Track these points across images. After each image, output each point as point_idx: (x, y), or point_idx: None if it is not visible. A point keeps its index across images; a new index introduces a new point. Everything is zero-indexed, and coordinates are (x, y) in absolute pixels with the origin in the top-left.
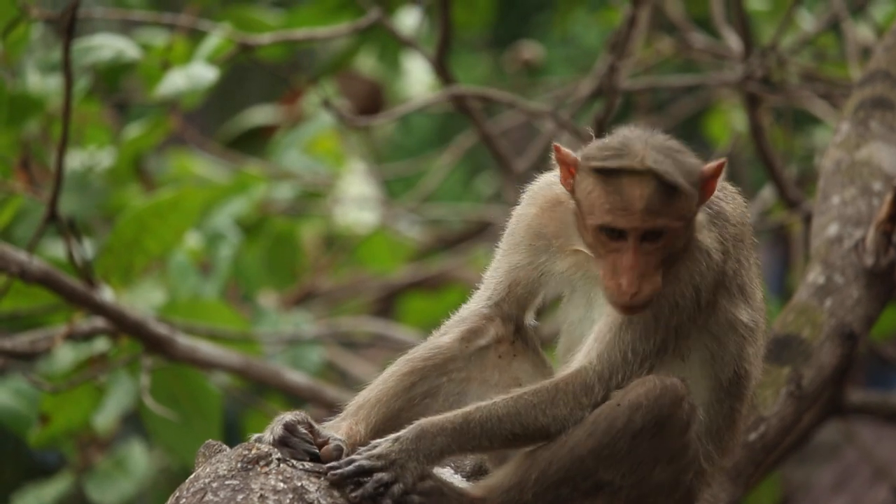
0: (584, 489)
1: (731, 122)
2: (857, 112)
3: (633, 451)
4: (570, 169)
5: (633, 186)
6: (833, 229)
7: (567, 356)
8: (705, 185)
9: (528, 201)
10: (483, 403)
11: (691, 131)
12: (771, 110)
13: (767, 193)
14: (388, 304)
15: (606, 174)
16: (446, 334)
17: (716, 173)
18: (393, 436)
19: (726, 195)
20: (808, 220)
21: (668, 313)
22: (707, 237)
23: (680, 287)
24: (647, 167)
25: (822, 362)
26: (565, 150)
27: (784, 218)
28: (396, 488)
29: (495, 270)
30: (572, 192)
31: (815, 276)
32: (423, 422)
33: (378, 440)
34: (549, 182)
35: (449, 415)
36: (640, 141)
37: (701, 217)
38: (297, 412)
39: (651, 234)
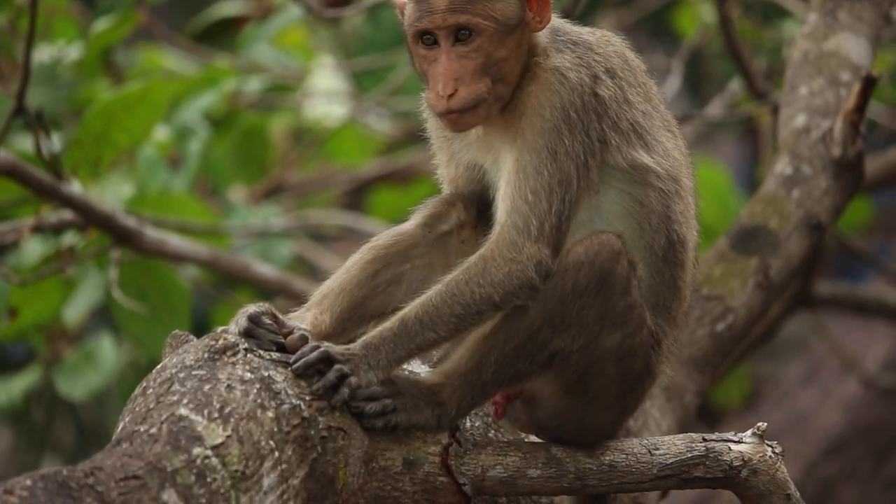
0: (541, 361)
1: (699, 14)
2: (826, 3)
3: (581, 312)
4: (402, 11)
5: None
6: (801, 120)
7: None
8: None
9: (423, 109)
10: (417, 300)
11: (660, 24)
12: (739, 2)
13: (736, 86)
14: (357, 197)
15: None
16: (409, 221)
17: None
18: (342, 347)
19: (594, 31)
20: (776, 111)
21: (547, 140)
22: (557, 58)
23: (540, 109)
24: None
25: (790, 253)
26: None
27: (752, 110)
28: (354, 380)
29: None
30: (403, 29)
31: (782, 166)
32: (365, 336)
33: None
34: None
35: (387, 322)
36: None
37: (544, 40)
38: (261, 304)
39: (461, 36)
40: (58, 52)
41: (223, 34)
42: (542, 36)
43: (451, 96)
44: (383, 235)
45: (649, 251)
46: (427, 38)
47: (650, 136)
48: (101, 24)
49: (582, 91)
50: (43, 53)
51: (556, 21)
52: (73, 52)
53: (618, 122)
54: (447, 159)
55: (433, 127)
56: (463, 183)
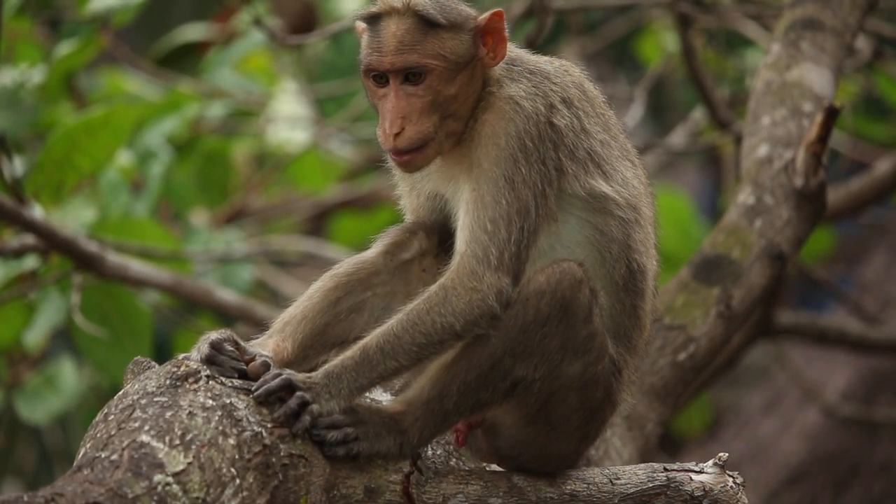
0: (503, 390)
1: (662, 42)
2: (788, 33)
3: (543, 341)
4: (361, 34)
5: (389, 25)
6: (763, 150)
7: None
8: (484, 34)
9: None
10: (378, 328)
11: (623, 52)
12: (703, 31)
13: (699, 115)
14: (319, 223)
15: (371, 20)
16: (371, 249)
17: (491, 22)
18: (304, 375)
19: (553, 61)
20: (738, 141)
21: (503, 169)
22: (512, 87)
23: (495, 138)
24: (404, 2)
25: (752, 283)
26: (360, 24)
27: (715, 139)
28: (315, 408)
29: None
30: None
31: (745, 196)
32: (327, 365)
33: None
34: None
35: (348, 351)
36: None
37: (500, 71)
38: (223, 330)
39: (410, 76)
40: (20, 75)
41: (186, 58)
42: (498, 66)
43: (397, 135)
44: (345, 263)
45: (610, 280)
46: (377, 75)
47: (608, 166)
48: (65, 48)
49: (537, 120)
50: (5, 77)
51: (513, 51)
52: (35, 75)
53: (574, 150)
54: (409, 189)
55: (394, 169)
56: (425, 212)
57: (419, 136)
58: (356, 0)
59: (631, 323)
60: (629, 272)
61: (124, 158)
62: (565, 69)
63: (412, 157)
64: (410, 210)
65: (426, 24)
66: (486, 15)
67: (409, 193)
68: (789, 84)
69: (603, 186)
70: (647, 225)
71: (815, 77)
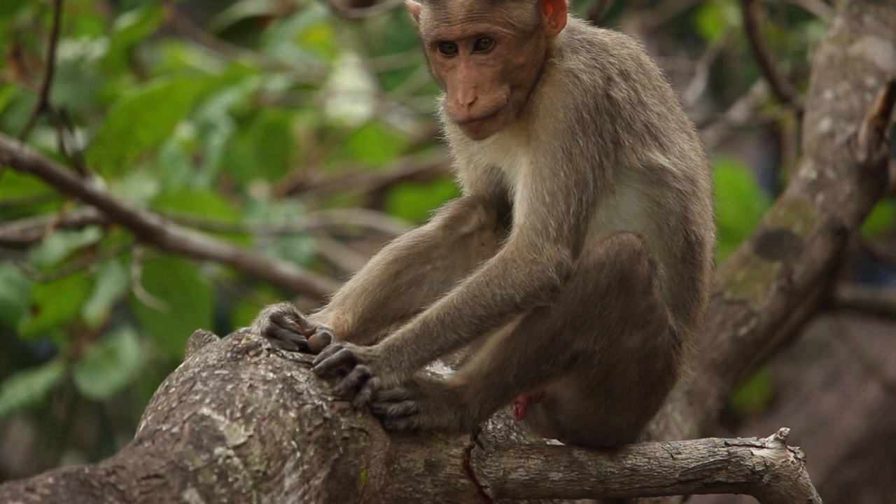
0: (563, 362)
1: (724, 17)
2: (851, 7)
3: (603, 313)
4: (416, 15)
5: None
6: (825, 124)
7: None
8: (546, 2)
9: (441, 114)
10: (438, 301)
11: (684, 27)
12: (764, 5)
13: (760, 89)
14: (379, 196)
15: None
16: (430, 222)
17: None
18: (364, 348)
19: (610, 33)
20: (800, 115)
21: (562, 141)
22: (571, 60)
23: (553, 110)
24: None
25: (813, 257)
26: (411, 2)
27: (776, 113)
28: (376, 381)
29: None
30: (420, 34)
31: (806, 171)
32: (388, 338)
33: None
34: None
35: (409, 324)
36: None
37: (560, 40)
38: (283, 304)
39: (481, 44)
40: (82, 48)
41: (247, 32)
42: (559, 36)
43: (471, 104)
44: (404, 237)
45: (668, 252)
46: (446, 46)
47: (665, 138)
48: (126, 21)
49: (595, 93)
50: (67, 50)
51: (571, 21)
52: (97, 49)
53: (631, 123)
54: (466, 162)
55: (451, 130)
56: (482, 186)
57: (493, 103)
58: None
59: (689, 295)
60: (687, 244)
61: (185, 131)
62: (622, 41)
63: (484, 124)
64: (468, 183)
65: None
66: None
67: (466, 167)
68: (852, 58)
69: (660, 158)
70: (704, 197)
71: (878, 51)
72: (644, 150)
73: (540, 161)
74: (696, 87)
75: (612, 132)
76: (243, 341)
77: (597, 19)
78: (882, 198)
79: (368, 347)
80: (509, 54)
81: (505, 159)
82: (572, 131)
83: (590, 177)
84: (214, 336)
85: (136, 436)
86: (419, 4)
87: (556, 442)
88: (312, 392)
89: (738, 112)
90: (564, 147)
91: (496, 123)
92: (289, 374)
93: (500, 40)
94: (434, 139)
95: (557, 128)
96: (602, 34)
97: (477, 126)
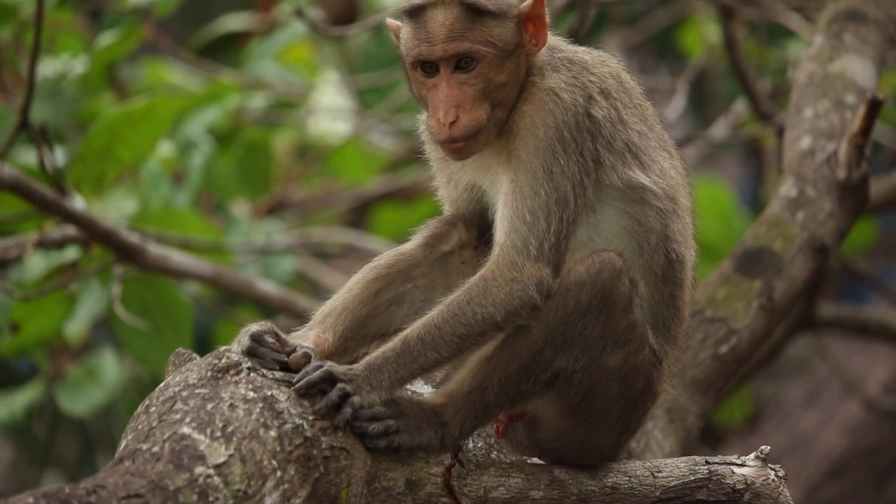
0: (544, 381)
1: (704, 34)
2: (831, 25)
3: (584, 331)
4: (397, 34)
5: (436, 15)
6: (806, 142)
7: None
8: (526, 20)
9: (422, 132)
10: (419, 320)
11: (665, 44)
12: (745, 23)
13: (740, 107)
14: (360, 214)
15: (414, 12)
16: (410, 241)
17: (533, 9)
18: (345, 367)
19: (591, 52)
20: (781, 133)
21: (542, 160)
22: (552, 78)
23: (534, 129)
24: None
25: (794, 275)
26: (391, 21)
27: (757, 131)
28: (356, 399)
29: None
30: (400, 53)
31: (787, 188)
32: (368, 357)
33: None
34: None
35: (389, 343)
36: None
37: (542, 60)
38: (264, 322)
39: (462, 63)
40: (62, 66)
41: (227, 49)
42: (540, 55)
43: (452, 124)
44: (385, 255)
45: (649, 270)
46: (427, 65)
47: (646, 156)
48: (106, 39)
49: (576, 111)
50: (47, 68)
51: (552, 39)
52: (77, 66)
53: (612, 141)
54: (446, 180)
55: (431, 149)
56: (463, 204)
57: (474, 123)
58: None
59: (670, 313)
60: (668, 262)
61: (165, 149)
62: (603, 60)
63: (466, 144)
64: (449, 202)
65: (473, 11)
66: (528, 2)
67: (446, 185)
68: (832, 76)
69: (640, 177)
70: (685, 215)
71: (858, 69)
72: (625, 168)
73: (521, 179)
74: (677, 104)
75: (593, 150)
76: (224, 360)
77: (577, 36)
78: (862, 215)
79: (349, 366)
80: (490, 73)
81: (486, 177)
82: (553, 150)
83: (570, 195)
84: (195, 355)
85: (116, 455)
86: (399, 23)
87: (536, 460)
88: (293, 411)
89: (719, 129)
90: (545, 165)
91: (478, 143)
92: (269, 393)
93: (482, 59)
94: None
95: (538, 146)
96: (583, 52)
97: (459, 146)
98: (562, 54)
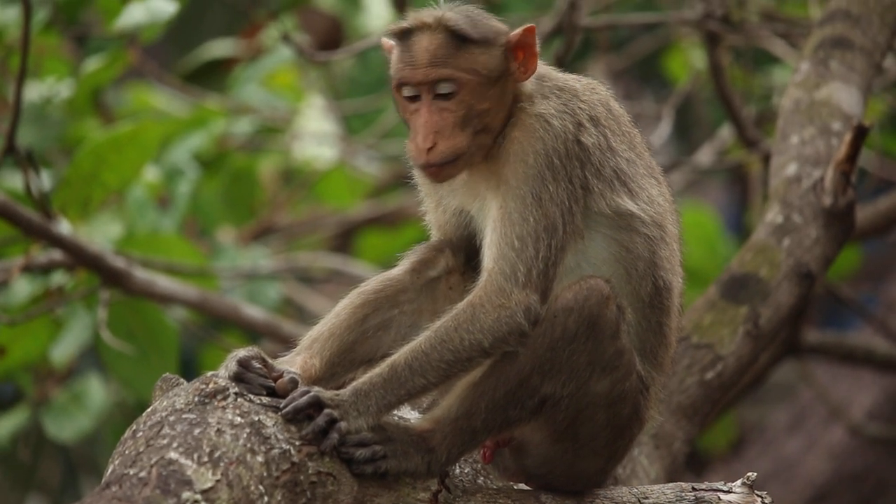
0: (531, 407)
1: (690, 60)
2: (817, 52)
3: (571, 357)
4: (390, 54)
5: (421, 40)
6: (792, 169)
7: None
8: (514, 49)
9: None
10: (406, 346)
11: (650, 70)
12: (730, 49)
13: (726, 133)
14: (345, 239)
15: (402, 35)
16: (397, 266)
17: (523, 38)
18: (332, 392)
19: (580, 79)
20: (766, 159)
21: (531, 186)
22: (542, 105)
23: (523, 155)
24: (436, 18)
25: (780, 301)
26: (386, 40)
27: (742, 157)
28: (343, 425)
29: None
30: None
31: (773, 215)
32: (355, 382)
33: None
34: None
35: (376, 368)
36: (439, 5)
37: (530, 87)
38: (251, 348)
39: (443, 89)
40: (48, 90)
41: (213, 74)
42: (528, 82)
43: (430, 149)
44: (372, 281)
45: (636, 297)
46: (408, 89)
47: (634, 184)
48: (92, 64)
49: (566, 138)
50: (33, 92)
51: (542, 67)
52: (63, 90)
53: (601, 169)
54: (434, 205)
55: (419, 173)
56: (451, 229)
57: (451, 150)
58: (383, 17)
59: (657, 340)
60: (655, 289)
61: (151, 174)
62: (592, 87)
63: (443, 169)
64: (436, 226)
65: (458, 38)
66: (518, 31)
67: (435, 210)
68: (818, 103)
69: (629, 204)
70: (672, 242)
71: (844, 96)
72: (613, 195)
73: (509, 206)
74: (662, 130)
75: (582, 178)
76: (211, 385)
77: (563, 62)
78: (848, 242)
79: (336, 392)
80: (472, 100)
81: (474, 203)
82: (542, 176)
83: (559, 222)
84: (182, 380)
85: (103, 480)
86: (393, 43)
87: (523, 486)
88: (280, 436)
89: (705, 155)
90: (534, 192)
91: (456, 168)
92: (256, 419)
93: (463, 86)
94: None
95: (527, 173)
96: (573, 80)
97: (436, 171)
98: (552, 82)
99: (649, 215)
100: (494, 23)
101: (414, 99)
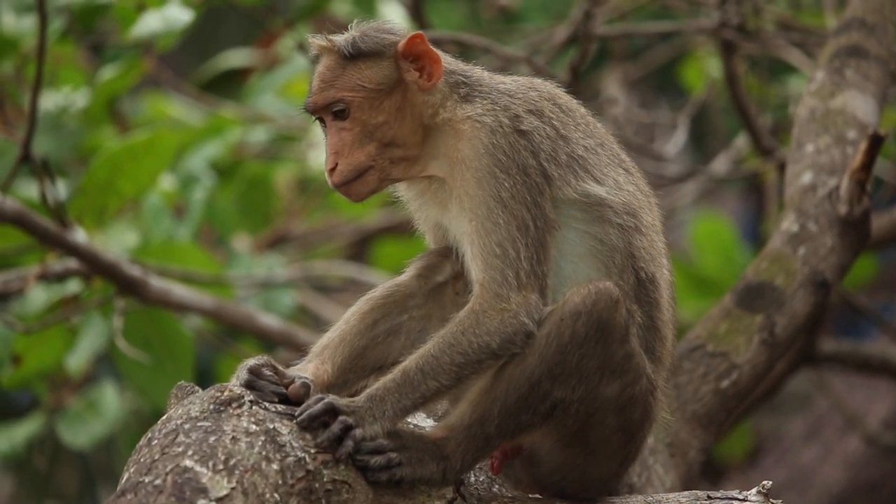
0: (543, 412)
1: (706, 69)
2: (833, 61)
3: (581, 361)
4: None
5: (319, 66)
6: (807, 177)
7: None
8: (404, 57)
9: None
10: (417, 352)
11: (666, 78)
12: (746, 58)
13: (742, 142)
14: (360, 248)
15: (313, 62)
16: (405, 272)
17: (410, 46)
18: (347, 399)
19: (515, 80)
20: (782, 168)
21: (489, 189)
22: (467, 109)
23: (468, 161)
24: (329, 41)
25: (795, 310)
26: None
27: (758, 166)
28: (359, 432)
29: None
30: None
31: (788, 224)
32: (369, 389)
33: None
34: None
35: (389, 374)
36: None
37: (446, 94)
38: (261, 356)
39: (338, 111)
40: (64, 99)
41: (229, 83)
42: (444, 89)
43: (332, 170)
44: (380, 287)
45: (620, 292)
46: (315, 116)
47: (598, 171)
48: (108, 73)
49: (504, 132)
50: (49, 101)
51: (464, 73)
52: (79, 99)
53: (555, 155)
54: (418, 219)
55: (403, 189)
56: (439, 239)
57: (351, 168)
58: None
59: (651, 335)
60: (638, 282)
61: (167, 183)
62: (531, 85)
63: (352, 186)
64: (427, 238)
65: (343, 57)
66: (403, 39)
67: (421, 223)
68: (833, 111)
69: (596, 188)
70: (649, 232)
71: (860, 105)
72: (577, 181)
73: (477, 215)
74: (678, 139)
75: (537, 166)
76: (226, 393)
77: (578, 71)
78: (863, 250)
79: (351, 399)
80: (365, 116)
81: (444, 215)
82: (494, 176)
83: (528, 217)
84: (197, 388)
85: (118, 488)
86: None
87: (538, 496)
88: (295, 444)
89: (720, 164)
90: (493, 194)
91: (367, 185)
92: (271, 426)
93: (351, 104)
94: None
95: (478, 177)
96: (507, 81)
97: (344, 189)
98: (475, 86)
99: (620, 201)
100: (387, 35)
101: (324, 123)
